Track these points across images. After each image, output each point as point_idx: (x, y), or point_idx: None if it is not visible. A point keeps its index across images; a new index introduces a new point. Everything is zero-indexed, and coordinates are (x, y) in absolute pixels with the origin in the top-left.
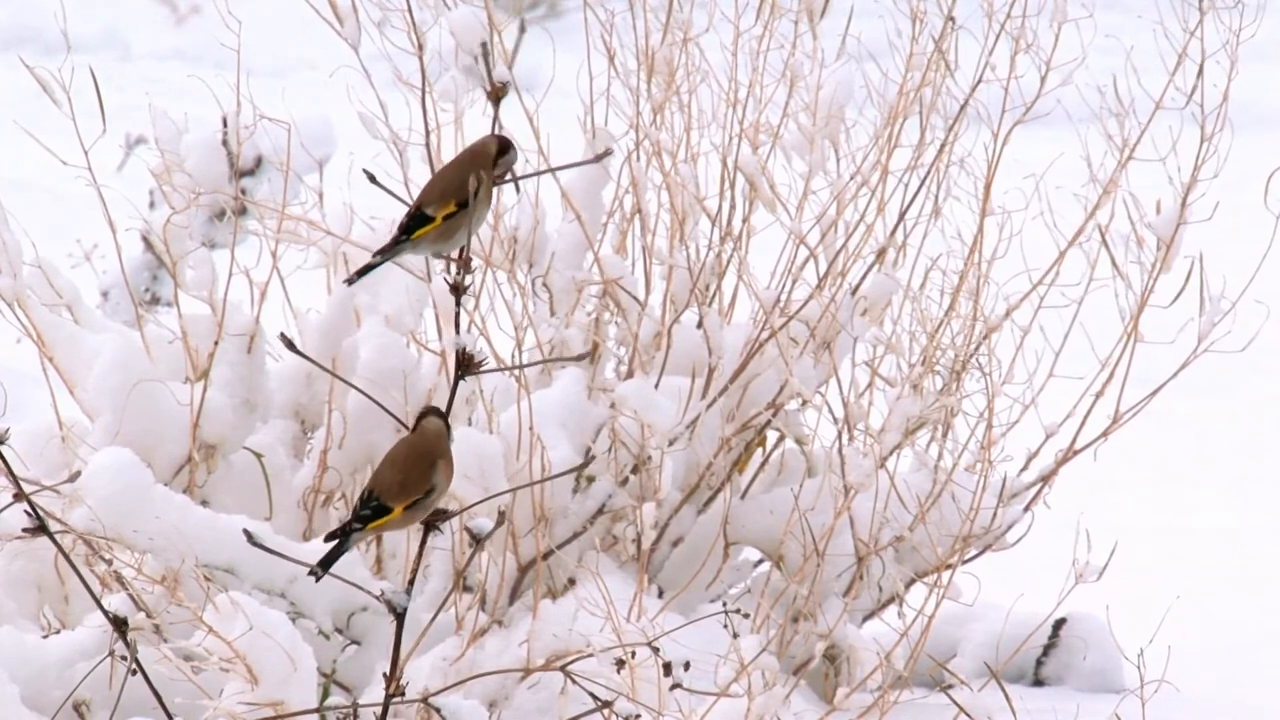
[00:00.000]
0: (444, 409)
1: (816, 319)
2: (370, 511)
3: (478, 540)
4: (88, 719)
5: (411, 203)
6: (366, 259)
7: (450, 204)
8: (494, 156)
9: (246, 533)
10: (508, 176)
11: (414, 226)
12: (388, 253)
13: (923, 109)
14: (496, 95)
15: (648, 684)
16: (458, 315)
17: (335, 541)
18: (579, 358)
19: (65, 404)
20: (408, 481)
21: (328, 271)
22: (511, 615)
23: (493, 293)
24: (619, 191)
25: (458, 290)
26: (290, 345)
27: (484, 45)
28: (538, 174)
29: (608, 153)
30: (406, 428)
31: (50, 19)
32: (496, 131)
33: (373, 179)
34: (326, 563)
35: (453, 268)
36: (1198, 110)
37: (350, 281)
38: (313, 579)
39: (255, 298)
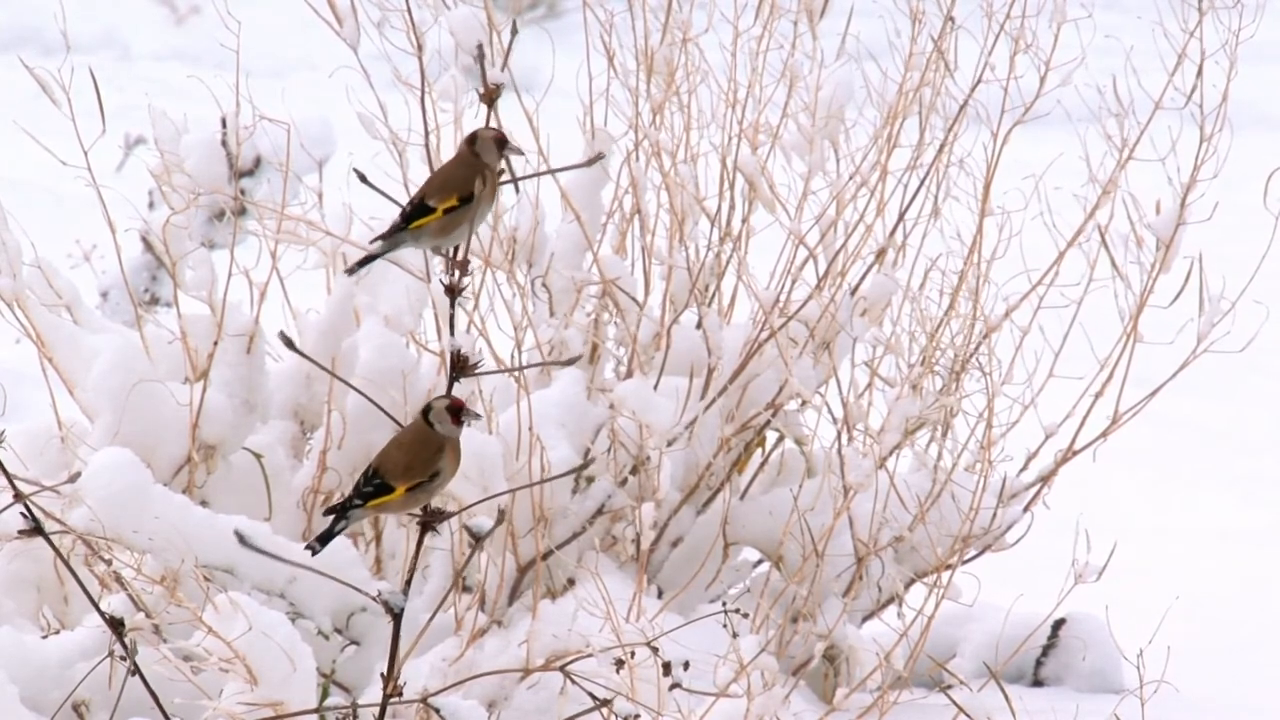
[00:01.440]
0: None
1: (816, 319)
2: (372, 489)
3: (477, 539)
4: (87, 719)
5: (411, 198)
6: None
7: (452, 197)
8: (496, 150)
9: (238, 534)
10: (505, 176)
11: (415, 216)
12: (387, 241)
13: (922, 109)
14: (490, 98)
15: (647, 684)
16: (453, 317)
17: (334, 516)
18: (570, 361)
19: (65, 404)
20: (414, 464)
21: (327, 272)
22: (511, 615)
23: (492, 293)
24: (618, 192)
25: (453, 292)
26: (290, 344)
27: (480, 47)
28: (535, 175)
29: (599, 157)
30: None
31: (50, 19)
32: (494, 130)
33: (363, 178)
34: (324, 538)
35: (451, 269)
36: (1197, 110)
37: (351, 271)
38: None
39: (255, 298)
